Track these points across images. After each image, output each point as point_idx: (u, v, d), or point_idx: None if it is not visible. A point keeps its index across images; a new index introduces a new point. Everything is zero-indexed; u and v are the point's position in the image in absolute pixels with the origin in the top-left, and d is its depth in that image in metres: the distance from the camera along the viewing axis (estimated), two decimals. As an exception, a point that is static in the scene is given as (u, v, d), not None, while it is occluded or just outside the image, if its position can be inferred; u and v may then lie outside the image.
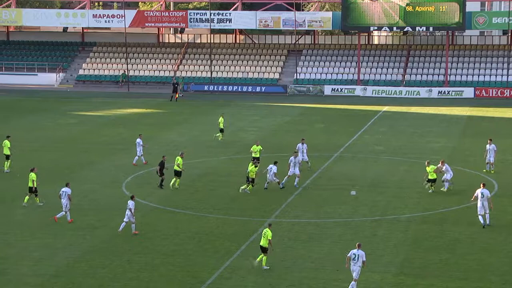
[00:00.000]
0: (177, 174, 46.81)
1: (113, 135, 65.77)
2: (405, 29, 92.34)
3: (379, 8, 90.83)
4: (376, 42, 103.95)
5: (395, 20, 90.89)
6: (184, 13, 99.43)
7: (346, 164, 53.41)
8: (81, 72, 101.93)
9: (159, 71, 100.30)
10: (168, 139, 61.71)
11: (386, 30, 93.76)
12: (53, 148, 55.89)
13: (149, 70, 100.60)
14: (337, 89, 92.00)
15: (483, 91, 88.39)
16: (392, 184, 47.52)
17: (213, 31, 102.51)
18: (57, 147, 57.45)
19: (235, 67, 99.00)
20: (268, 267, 32.97)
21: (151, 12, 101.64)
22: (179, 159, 46.93)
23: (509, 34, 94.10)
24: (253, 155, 50.35)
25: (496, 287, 30.91)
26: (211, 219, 40.32)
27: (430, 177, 44.89)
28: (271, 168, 45.52)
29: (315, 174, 50.21)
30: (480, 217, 38.77)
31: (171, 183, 46.71)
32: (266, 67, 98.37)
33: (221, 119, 62.42)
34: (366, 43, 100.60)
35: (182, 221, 40.29)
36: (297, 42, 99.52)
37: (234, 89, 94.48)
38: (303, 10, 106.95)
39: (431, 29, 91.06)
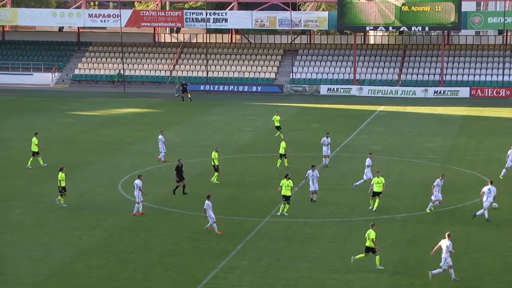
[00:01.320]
0: (216, 169, 47.90)
1: (109, 134, 65.77)
2: (401, 29, 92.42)
3: (375, 8, 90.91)
4: (372, 42, 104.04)
5: (391, 20, 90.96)
6: (180, 12, 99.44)
7: (342, 164, 53.44)
8: (76, 71, 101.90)
9: (155, 70, 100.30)
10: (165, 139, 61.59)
11: (382, 30, 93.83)
12: (49, 148, 55.81)
13: (145, 70, 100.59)
14: (333, 88, 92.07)
15: (479, 90, 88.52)
16: (388, 184, 47.25)
17: (209, 31, 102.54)
18: (54, 147, 57.39)
19: (231, 66, 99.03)
20: (383, 267, 32.80)
21: (147, 12, 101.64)
22: (215, 154, 47.94)
23: (505, 34, 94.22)
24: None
25: (491, 286, 31.00)
26: (207, 218, 40.31)
27: (375, 189, 41.72)
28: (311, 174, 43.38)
29: (307, 173, 50.10)
30: (486, 211, 39.50)
31: (212, 178, 47.77)
32: (262, 67, 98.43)
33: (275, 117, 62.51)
34: (362, 43, 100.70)
35: (179, 221, 40.32)
36: (293, 42, 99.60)
37: (230, 89, 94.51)
38: (299, 9, 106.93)
39: (426, 29, 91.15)
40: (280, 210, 41.13)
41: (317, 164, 52.33)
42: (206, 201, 38.04)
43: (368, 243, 33.08)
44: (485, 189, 39.87)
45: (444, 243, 31.62)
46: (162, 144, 54.38)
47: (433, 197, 41.20)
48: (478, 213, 39.71)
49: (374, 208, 41.55)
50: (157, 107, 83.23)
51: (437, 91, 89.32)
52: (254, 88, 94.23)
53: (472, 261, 33.83)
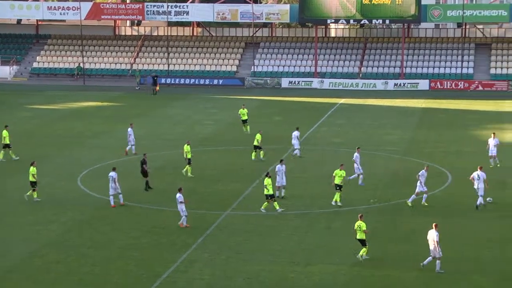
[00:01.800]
0: (189, 162, 47.81)
1: (69, 128, 65.21)
2: (362, 22, 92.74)
3: (336, 1, 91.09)
4: (333, 34, 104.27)
5: (352, 13, 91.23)
6: (140, 5, 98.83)
7: (302, 157, 53.42)
8: (35, 65, 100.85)
9: (116, 63, 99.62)
10: (122, 133, 61.10)
11: (343, 23, 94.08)
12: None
13: (105, 63, 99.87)
14: (294, 81, 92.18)
15: (438, 83, 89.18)
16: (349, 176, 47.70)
17: (170, 24, 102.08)
18: (12, 141, 56.69)
19: (192, 59, 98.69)
20: (368, 257, 32.98)
21: (107, 5, 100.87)
22: (187, 147, 47.87)
23: (463, 27, 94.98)
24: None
25: (450, 276, 31.21)
26: (168, 212, 40.13)
27: (336, 181, 41.51)
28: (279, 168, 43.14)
29: (271, 166, 50.14)
30: (480, 198, 40.29)
31: (189, 172, 47.64)
32: (223, 60, 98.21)
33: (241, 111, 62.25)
34: (323, 35, 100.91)
35: (139, 215, 40.09)
36: (254, 35, 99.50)
37: (191, 82, 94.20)
38: (260, 2, 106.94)
39: (387, 21, 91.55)
40: (264, 208, 40.49)
41: (274, 157, 52.34)
42: (178, 194, 37.72)
43: (359, 235, 33.07)
44: (474, 174, 40.79)
45: (432, 234, 31.65)
46: (131, 137, 54.09)
47: (417, 189, 41.17)
48: (478, 203, 40.42)
49: (333, 203, 41.49)
50: (118, 100, 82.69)
51: (397, 83, 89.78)
52: (215, 81, 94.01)
53: (431, 252, 34.01)
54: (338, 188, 41.53)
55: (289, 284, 30.76)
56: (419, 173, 41.32)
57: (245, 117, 61.87)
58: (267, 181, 40.02)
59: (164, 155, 54.38)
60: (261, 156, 52.19)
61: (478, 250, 34.20)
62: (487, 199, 41.23)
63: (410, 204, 41.00)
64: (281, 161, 43.66)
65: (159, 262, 33.01)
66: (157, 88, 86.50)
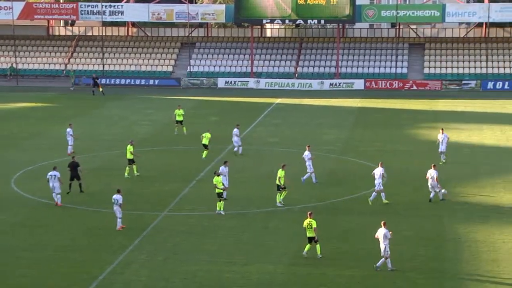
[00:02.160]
0: (132, 162, 47.48)
1: (1, 129, 64.17)
2: (297, 22, 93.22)
3: (272, 1, 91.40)
4: (268, 34, 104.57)
5: (287, 13, 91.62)
6: (74, 5, 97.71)
7: (240, 157, 53.49)
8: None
9: (50, 64, 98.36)
10: (60, 134, 60.39)
11: (279, 23, 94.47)
12: None
13: (39, 63, 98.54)
14: (231, 81, 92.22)
15: (373, 82, 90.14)
16: (286, 176, 47.67)
17: (105, 24, 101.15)
18: None
19: (127, 60, 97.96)
20: (321, 256, 33.13)
21: (40, 4, 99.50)
22: (130, 148, 47.38)
23: (397, 27, 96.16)
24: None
25: (385, 274, 31.50)
26: (104, 214, 39.76)
27: (278, 182, 41.49)
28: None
29: (208, 166, 50.17)
30: (433, 193, 41.56)
31: (126, 172, 47.15)
32: (159, 60, 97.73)
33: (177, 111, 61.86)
34: (259, 35, 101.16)
35: (75, 216, 39.66)
36: (190, 35, 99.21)
37: (127, 82, 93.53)
38: (196, 2, 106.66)
39: (322, 21, 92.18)
40: (218, 209, 40.19)
41: (209, 157, 52.33)
42: (118, 195, 37.43)
43: (309, 233, 33.21)
44: (428, 173, 41.81)
45: (381, 232, 31.88)
46: (70, 137, 53.65)
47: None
48: (431, 196, 41.75)
49: (278, 203, 41.52)
50: (52, 101, 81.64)
51: (333, 83, 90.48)
52: (151, 82, 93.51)
53: (368, 250, 34.21)
54: (280, 188, 41.51)
55: (226, 284, 30.74)
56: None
57: (181, 118, 61.59)
58: (217, 179, 39.91)
59: (100, 156, 53.89)
60: (204, 156, 52.12)
61: (414, 248, 34.52)
62: (442, 191, 42.02)
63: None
64: (225, 162, 43.55)
65: (96, 264, 32.70)
66: (100, 88, 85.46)
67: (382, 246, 31.78)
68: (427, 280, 30.95)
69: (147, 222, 38.57)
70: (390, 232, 31.86)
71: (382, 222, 32.27)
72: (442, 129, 52.48)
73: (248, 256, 33.64)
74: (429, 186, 41.86)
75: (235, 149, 54.04)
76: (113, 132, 63.15)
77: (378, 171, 41.72)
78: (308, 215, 33.51)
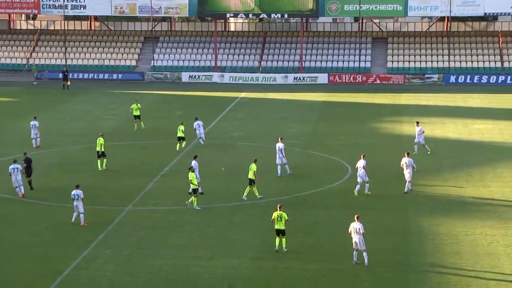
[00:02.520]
0: (103, 155, 47.86)
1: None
2: (261, 16, 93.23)
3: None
4: (232, 29, 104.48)
5: (250, 7, 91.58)
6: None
7: (204, 151, 53.39)
8: None
9: (11, 58, 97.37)
10: (23, 128, 59.93)
11: (242, 17, 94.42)
12: None
13: (0, 58, 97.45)
14: (195, 76, 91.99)
15: (337, 77, 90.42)
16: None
17: (67, 18, 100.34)
18: None
19: (90, 54, 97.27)
20: (287, 250, 33.25)
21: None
22: (101, 140, 47.69)
23: (360, 21, 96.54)
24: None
25: (351, 267, 31.72)
26: (68, 209, 39.26)
27: (251, 176, 41.65)
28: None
29: (173, 161, 50.10)
30: (408, 184, 42.04)
31: (99, 165, 47.55)
32: (122, 54, 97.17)
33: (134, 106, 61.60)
34: (223, 30, 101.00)
35: (38, 212, 39.41)
36: (153, 29, 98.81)
37: (90, 77, 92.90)
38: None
39: (286, 16, 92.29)
40: (192, 203, 40.10)
41: (174, 151, 52.28)
42: (79, 191, 37.26)
43: (279, 226, 33.27)
44: (403, 161, 42.28)
45: (354, 226, 31.86)
46: (35, 130, 53.85)
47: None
48: (410, 189, 42.24)
49: (259, 196, 41.73)
50: (14, 95, 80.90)
51: (297, 77, 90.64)
52: (114, 76, 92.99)
53: (333, 243, 34.49)
54: (253, 182, 41.60)
55: (192, 278, 30.74)
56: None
57: (137, 113, 61.26)
58: (192, 175, 39.83)
59: (62, 151, 53.54)
60: (182, 145, 52.92)
61: (378, 242, 34.67)
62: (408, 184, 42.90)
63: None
64: (195, 157, 43.37)
65: (60, 259, 32.54)
66: (68, 82, 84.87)
67: (357, 240, 31.62)
68: (392, 273, 31.16)
69: (112, 217, 38.42)
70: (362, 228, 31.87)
71: (356, 216, 32.25)
72: (417, 122, 53.55)
73: (213, 251, 33.65)
74: (408, 175, 42.20)
75: (200, 141, 54.34)
76: (77, 127, 62.75)
77: (361, 164, 42.22)
78: (278, 208, 33.60)
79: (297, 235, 35.54)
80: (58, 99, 78.04)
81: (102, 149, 48.01)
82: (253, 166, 41.59)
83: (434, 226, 36.84)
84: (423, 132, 52.36)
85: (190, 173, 40.05)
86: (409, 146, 51.70)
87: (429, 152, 51.50)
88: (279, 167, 46.48)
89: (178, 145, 53.03)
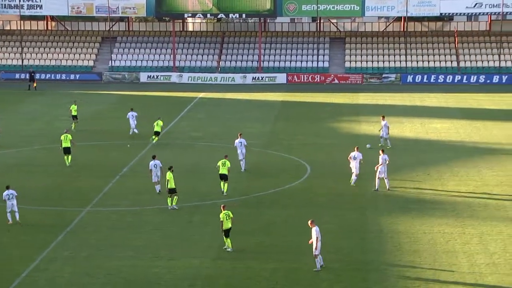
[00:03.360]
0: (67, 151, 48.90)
1: None
2: (219, 16, 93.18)
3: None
4: (190, 29, 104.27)
5: (208, 7, 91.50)
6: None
7: (163, 151, 53.16)
8: None
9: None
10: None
11: (200, 17, 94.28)
12: None
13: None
14: (153, 76, 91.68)
15: (295, 76, 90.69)
16: (210, 170, 47.64)
17: (23, 18, 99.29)
18: None
19: (47, 54, 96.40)
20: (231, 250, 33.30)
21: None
22: (68, 136, 49.02)
23: (318, 21, 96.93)
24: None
25: (309, 266, 31.75)
26: (26, 210, 39.07)
27: (221, 171, 42.40)
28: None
29: (132, 161, 49.87)
30: (377, 180, 42.52)
31: (67, 161, 48.48)
32: (80, 54, 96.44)
33: (73, 107, 61.76)
34: (181, 30, 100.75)
35: (-5, 214, 38.96)
36: (111, 29, 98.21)
37: (47, 77, 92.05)
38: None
39: (244, 16, 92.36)
40: (169, 204, 40.01)
41: (132, 152, 52.06)
42: (10, 190, 37.18)
43: (226, 225, 33.30)
44: (380, 158, 42.71)
45: (313, 230, 31.50)
46: None
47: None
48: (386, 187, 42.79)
49: (225, 193, 42.24)
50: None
51: (256, 77, 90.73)
52: (72, 76, 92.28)
53: (291, 243, 34.59)
54: (224, 178, 42.29)
55: (152, 279, 30.63)
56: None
57: (75, 113, 61.30)
58: (170, 175, 39.68)
59: (20, 152, 53.02)
60: (154, 141, 54.74)
61: (337, 241, 34.85)
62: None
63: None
64: (153, 157, 43.17)
65: (18, 261, 32.26)
66: (35, 84, 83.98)
67: (315, 245, 31.39)
68: (350, 272, 31.29)
69: (71, 218, 38.15)
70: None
71: (310, 221, 31.91)
72: (383, 116, 55.12)
73: (173, 251, 33.57)
74: (381, 172, 42.58)
75: (134, 131, 57.57)
76: (34, 128, 62.21)
77: (355, 155, 43.24)
78: (222, 208, 33.65)
79: (256, 234, 35.60)
80: (14, 99, 77.22)
81: (68, 145, 48.43)
82: (227, 162, 42.22)
83: (392, 225, 37.07)
84: (388, 128, 53.72)
85: (168, 172, 39.82)
86: (366, 145, 51.97)
87: (389, 147, 52.28)
88: (241, 162, 46.60)
89: (153, 137, 55.24)
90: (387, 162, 42.83)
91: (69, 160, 48.77)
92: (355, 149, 44.04)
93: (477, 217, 38.28)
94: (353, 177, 43.69)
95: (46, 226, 36.83)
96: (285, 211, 39.47)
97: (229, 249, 33.51)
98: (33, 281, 30.40)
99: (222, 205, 34.04)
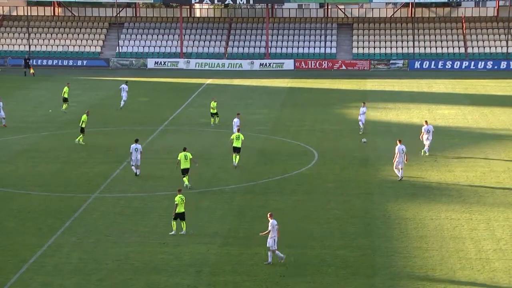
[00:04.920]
0: (82, 131, 50.17)
1: None
2: (226, 2, 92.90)
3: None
4: (198, 14, 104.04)
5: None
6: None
7: (171, 137, 53.28)
8: None
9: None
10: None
11: (208, 3, 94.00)
12: None
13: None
14: (160, 62, 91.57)
15: (303, 63, 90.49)
16: (218, 156, 47.78)
17: (30, 3, 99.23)
18: None
19: (54, 40, 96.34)
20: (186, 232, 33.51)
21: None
22: (84, 117, 50.07)
23: (326, 7, 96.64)
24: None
25: (317, 252, 31.77)
26: (33, 196, 39.27)
27: (235, 144, 44.71)
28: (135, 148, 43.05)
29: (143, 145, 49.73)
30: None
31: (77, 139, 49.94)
32: (87, 40, 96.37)
33: (66, 89, 63.22)
34: (188, 15, 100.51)
35: (2, 199, 38.98)
36: (118, 15, 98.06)
37: (54, 63, 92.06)
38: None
39: (251, 1, 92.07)
40: (186, 183, 40.68)
41: (140, 138, 52.09)
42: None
43: (180, 209, 33.44)
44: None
45: (269, 223, 30.92)
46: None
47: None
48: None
49: (235, 164, 44.14)
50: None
51: (263, 63, 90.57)
52: (79, 62, 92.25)
53: (299, 229, 34.52)
54: (237, 151, 44.31)
55: (159, 265, 30.58)
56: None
57: (66, 95, 62.70)
58: (181, 155, 40.41)
59: (26, 138, 53.03)
60: (216, 121, 57.01)
61: (343, 226, 34.84)
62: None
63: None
64: (136, 140, 43.36)
65: (25, 247, 32.24)
66: (32, 70, 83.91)
67: (270, 240, 30.53)
68: (357, 257, 31.23)
69: (78, 204, 38.13)
70: (277, 226, 30.79)
71: (269, 214, 31.29)
72: (364, 102, 56.20)
73: (180, 237, 33.49)
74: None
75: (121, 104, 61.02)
76: (39, 114, 62.16)
77: (399, 149, 42.13)
78: (178, 191, 33.90)
79: (263, 221, 35.39)
80: (20, 85, 77.22)
81: (83, 125, 49.88)
82: (241, 136, 44.04)
83: (399, 211, 36.98)
84: (365, 112, 54.19)
85: (181, 153, 40.49)
86: (373, 132, 51.92)
87: (360, 133, 53.13)
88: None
89: (212, 120, 57.19)
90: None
91: (81, 140, 50.30)
92: (398, 142, 42.58)
93: (484, 203, 38.18)
94: (396, 172, 42.52)
95: (53, 212, 36.77)
96: (292, 198, 39.37)
97: (182, 232, 33.64)
98: (41, 267, 30.37)
99: (178, 189, 34.35)
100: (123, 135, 53.61)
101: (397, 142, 42.83)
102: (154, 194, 40.00)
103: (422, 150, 47.53)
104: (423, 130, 47.51)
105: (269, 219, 30.85)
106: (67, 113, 61.32)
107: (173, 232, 33.76)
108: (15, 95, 71.70)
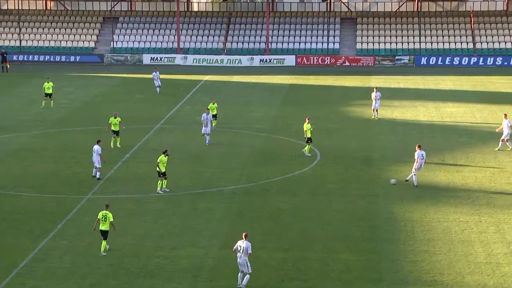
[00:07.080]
0: (116, 133, 48.38)
1: None
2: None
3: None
4: (196, 8, 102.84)
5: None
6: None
7: (167, 136, 52.28)
8: None
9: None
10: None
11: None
12: None
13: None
14: (157, 58, 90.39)
15: (304, 59, 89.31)
16: (216, 155, 46.81)
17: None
18: None
19: (46, 35, 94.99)
20: (105, 254, 31.24)
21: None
22: (113, 120, 48.43)
23: (328, 1, 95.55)
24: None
25: (318, 255, 31.00)
26: (24, 197, 38.56)
27: (308, 135, 45.64)
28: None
29: (134, 147, 48.72)
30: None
31: (112, 143, 47.85)
32: (80, 35, 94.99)
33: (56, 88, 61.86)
34: (186, 10, 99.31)
35: (-8, 201, 38.00)
36: (113, 9, 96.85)
37: (46, 59, 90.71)
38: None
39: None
40: (159, 188, 39.24)
41: (135, 137, 51.07)
42: None
43: (103, 227, 31.25)
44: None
45: (241, 245, 28.13)
46: None
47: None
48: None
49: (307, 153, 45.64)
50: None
51: (263, 59, 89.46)
52: (72, 58, 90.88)
53: (300, 231, 33.83)
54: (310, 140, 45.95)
55: (154, 270, 29.72)
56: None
57: (50, 91, 61.83)
58: (162, 158, 38.96)
59: (17, 137, 52.02)
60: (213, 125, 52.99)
61: (347, 229, 34.06)
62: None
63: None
64: (97, 141, 42.00)
65: (16, 251, 31.52)
66: (8, 65, 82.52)
67: (242, 262, 28.02)
68: (362, 262, 30.44)
69: (71, 205, 37.32)
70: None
71: (244, 234, 28.80)
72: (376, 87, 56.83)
73: (177, 240, 32.73)
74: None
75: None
76: (31, 112, 60.97)
77: (419, 154, 40.20)
78: (105, 207, 31.82)
79: (263, 222, 34.85)
80: (11, 82, 75.81)
81: (116, 128, 48.25)
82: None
83: (405, 213, 36.17)
84: (380, 97, 55.08)
85: (162, 156, 39.13)
86: (379, 130, 51.00)
87: (376, 118, 54.30)
88: (206, 137, 47.78)
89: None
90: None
91: (118, 142, 48.59)
92: (417, 147, 40.64)
93: (494, 205, 37.37)
94: (414, 178, 40.44)
95: (45, 214, 35.97)
96: (293, 199, 38.69)
97: (102, 253, 31.14)
98: (31, 271, 29.61)
99: (106, 203, 32.10)
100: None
101: (416, 147, 40.87)
102: (150, 195, 38.99)
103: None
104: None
105: (244, 239, 28.30)
106: (52, 114, 59.87)
107: (103, 253, 31.23)
108: (5, 92, 70.18)
